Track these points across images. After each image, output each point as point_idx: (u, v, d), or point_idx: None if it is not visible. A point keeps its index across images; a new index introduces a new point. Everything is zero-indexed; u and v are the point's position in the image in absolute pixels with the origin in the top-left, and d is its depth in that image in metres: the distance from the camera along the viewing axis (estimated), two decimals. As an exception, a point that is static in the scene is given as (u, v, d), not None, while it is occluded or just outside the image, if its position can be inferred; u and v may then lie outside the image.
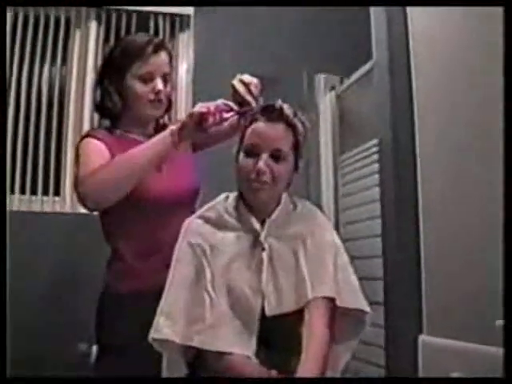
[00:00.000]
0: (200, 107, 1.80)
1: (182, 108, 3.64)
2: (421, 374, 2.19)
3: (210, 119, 1.79)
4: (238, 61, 3.57)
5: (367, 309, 1.72)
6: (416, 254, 2.34)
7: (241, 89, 1.89)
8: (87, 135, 2.01)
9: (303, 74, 3.57)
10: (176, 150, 1.86)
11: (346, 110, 3.35)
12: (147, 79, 1.98)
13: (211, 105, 1.80)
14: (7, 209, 3.19)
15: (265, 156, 1.64)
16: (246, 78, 1.92)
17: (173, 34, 3.74)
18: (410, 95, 2.45)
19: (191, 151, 2.20)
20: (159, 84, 2.00)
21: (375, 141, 2.77)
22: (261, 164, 1.63)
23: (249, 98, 1.86)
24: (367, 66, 2.97)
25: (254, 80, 1.93)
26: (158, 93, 2.00)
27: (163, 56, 2.02)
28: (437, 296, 2.22)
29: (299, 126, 1.70)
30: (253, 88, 1.89)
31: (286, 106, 1.70)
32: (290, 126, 1.68)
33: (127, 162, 1.84)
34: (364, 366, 2.61)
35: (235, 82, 1.91)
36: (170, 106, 2.15)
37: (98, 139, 1.95)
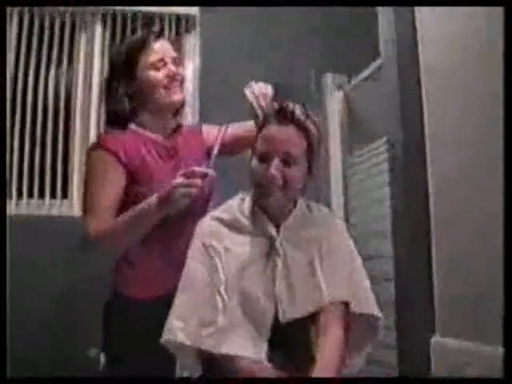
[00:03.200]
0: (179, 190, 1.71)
1: (189, 109, 3.61)
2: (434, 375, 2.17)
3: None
4: (245, 61, 3.55)
5: (379, 314, 1.71)
6: (427, 254, 2.31)
7: (250, 97, 1.89)
8: (97, 145, 1.95)
9: (311, 73, 3.54)
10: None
11: (355, 108, 3.32)
12: (160, 67, 1.96)
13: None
14: (9, 213, 3.22)
15: (276, 161, 1.62)
16: (257, 87, 1.92)
17: (178, 35, 3.72)
18: (419, 92, 2.42)
19: (205, 154, 2.17)
20: (173, 67, 1.98)
21: (384, 139, 2.75)
22: (272, 170, 1.61)
23: (257, 108, 1.87)
24: (375, 64, 2.94)
25: (264, 89, 1.92)
26: (173, 76, 1.98)
27: (166, 43, 2.02)
28: (449, 296, 2.19)
29: (312, 128, 1.67)
30: (261, 99, 1.88)
31: (297, 109, 1.67)
32: (302, 128, 1.65)
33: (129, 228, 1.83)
34: (376, 367, 2.58)
35: (246, 92, 1.91)
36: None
37: (108, 150, 1.90)
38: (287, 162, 1.62)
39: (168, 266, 1.90)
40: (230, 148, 2.07)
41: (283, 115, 1.66)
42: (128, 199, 1.88)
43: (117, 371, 1.90)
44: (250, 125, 2.03)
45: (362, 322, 1.71)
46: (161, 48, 1.98)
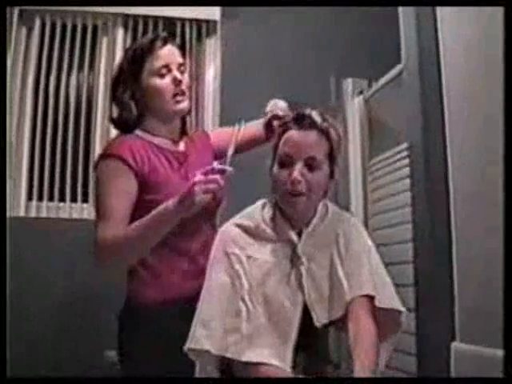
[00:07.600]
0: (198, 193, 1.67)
1: (209, 115, 3.63)
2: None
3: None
4: (265, 65, 3.55)
5: (402, 308, 1.70)
6: (448, 260, 2.29)
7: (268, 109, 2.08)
8: (105, 154, 1.92)
9: (330, 78, 3.54)
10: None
11: (375, 114, 3.31)
12: (165, 73, 1.93)
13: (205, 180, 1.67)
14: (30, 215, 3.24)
15: (299, 165, 1.62)
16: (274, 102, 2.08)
17: (200, 40, 3.74)
18: (441, 98, 2.41)
19: (213, 159, 2.16)
20: (178, 75, 1.95)
21: (405, 145, 2.74)
22: (295, 174, 1.61)
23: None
24: (396, 70, 2.93)
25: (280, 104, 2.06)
26: (178, 83, 1.95)
27: (172, 48, 1.98)
28: (470, 302, 2.17)
29: (332, 131, 1.68)
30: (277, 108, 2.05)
31: (314, 113, 1.68)
32: (323, 132, 1.66)
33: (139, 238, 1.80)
34: (395, 373, 2.56)
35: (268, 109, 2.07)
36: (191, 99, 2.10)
37: (117, 157, 1.87)
38: (310, 166, 1.63)
39: (183, 269, 1.90)
40: (239, 148, 2.12)
41: (302, 120, 1.66)
42: (136, 207, 1.87)
43: (132, 373, 1.89)
44: (258, 124, 2.14)
45: (384, 317, 1.68)
46: (167, 54, 1.95)
